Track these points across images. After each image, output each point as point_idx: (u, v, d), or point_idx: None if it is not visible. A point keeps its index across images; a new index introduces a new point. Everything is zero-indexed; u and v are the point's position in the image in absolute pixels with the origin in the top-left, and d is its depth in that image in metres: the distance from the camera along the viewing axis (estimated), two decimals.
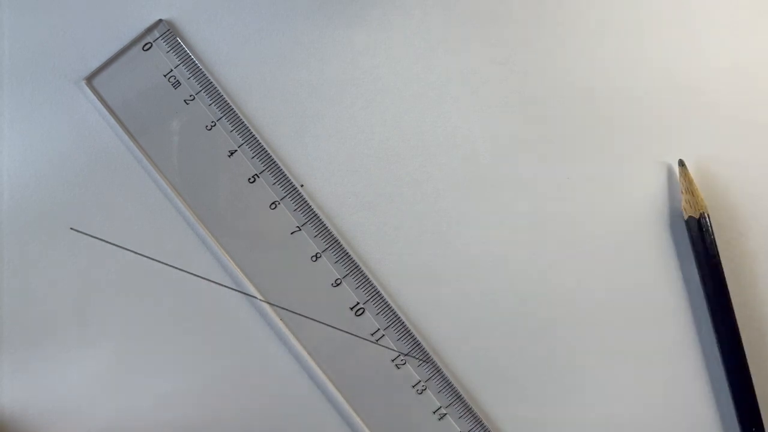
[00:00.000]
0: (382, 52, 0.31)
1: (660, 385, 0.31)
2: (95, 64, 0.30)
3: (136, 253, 0.30)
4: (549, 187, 0.31)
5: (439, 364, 0.31)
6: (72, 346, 0.30)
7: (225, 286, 0.30)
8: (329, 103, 0.31)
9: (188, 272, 0.30)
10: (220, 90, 0.30)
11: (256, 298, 0.30)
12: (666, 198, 0.31)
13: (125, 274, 0.30)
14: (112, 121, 0.30)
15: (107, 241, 0.30)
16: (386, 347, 0.31)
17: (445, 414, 0.30)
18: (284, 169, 0.30)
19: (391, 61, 0.31)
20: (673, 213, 0.31)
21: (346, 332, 0.30)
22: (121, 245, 0.30)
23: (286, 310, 0.30)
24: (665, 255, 0.31)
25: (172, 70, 0.30)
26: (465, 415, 0.30)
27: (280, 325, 0.30)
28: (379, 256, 0.31)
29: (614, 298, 0.31)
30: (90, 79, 0.30)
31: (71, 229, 0.30)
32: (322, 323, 0.30)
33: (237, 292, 0.30)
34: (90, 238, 0.30)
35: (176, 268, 0.30)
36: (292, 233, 0.30)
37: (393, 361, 0.30)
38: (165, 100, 0.30)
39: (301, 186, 0.31)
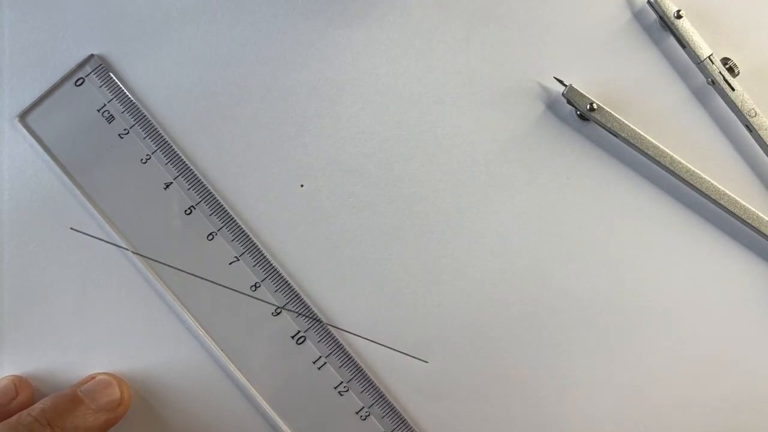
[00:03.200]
0: (382, 52, 0.31)
1: (639, 386, 0.31)
2: (28, 102, 0.30)
3: (136, 253, 0.30)
4: (549, 186, 0.31)
5: (438, 364, 0.31)
6: (72, 345, 0.30)
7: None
8: (329, 103, 0.31)
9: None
10: (155, 123, 0.30)
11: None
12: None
13: (125, 273, 0.30)
14: (47, 158, 0.30)
15: (107, 241, 0.30)
16: (388, 347, 0.31)
17: None
18: (220, 200, 0.30)
19: (391, 61, 0.31)
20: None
21: (357, 334, 0.31)
22: (121, 245, 0.30)
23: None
24: (665, 256, 0.31)
25: (105, 105, 0.30)
26: None
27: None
28: (379, 256, 0.31)
29: (614, 298, 0.31)
30: (23, 116, 0.30)
31: (71, 229, 0.30)
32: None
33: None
34: (90, 238, 0.30)
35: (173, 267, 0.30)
36: (230, 263, 0.30)
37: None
38: (100, 135, 0.30)
39: (301, 186, 0.31)
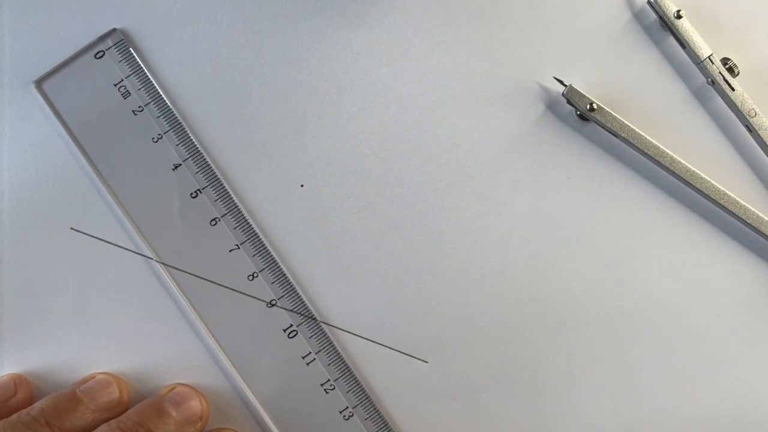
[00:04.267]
0: (382, 52, 0.31)
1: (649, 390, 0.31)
2: (46, 69, 0.30)
3: (136, 253, 0.30)
4: (549, 186, 0.31)
5: (438, 364, 0.31)
6: (72, 345, 0.30)
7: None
8: (329, 103, 0.31)
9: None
10: (169, 103, 0.30)
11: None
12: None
13: (125, 273, 0.30)
14: (59, 126, 0.30)
15: (107, 241, 0.30)
16: (387, 347, 0.31)
17: None
18: (227, 186, 0.30)
19: (391, 61, 0.31)
20: None
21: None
22: (121, 245, 0.30)
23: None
24: (665, 256, 0.31)
25: (122, 80, 0.30)
26: None
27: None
28: (379, 256, 0.31)
29: (614, 298, 0.31)
30: (40, 82, 0.30)
31: (71, 229, 0.30)
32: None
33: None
34: (90, 238, 0.30)
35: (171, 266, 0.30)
36: (230, 251, 0.30)
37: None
38: (114, 109, 0.30)
39: (301, 186, 0.31)
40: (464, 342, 0.31)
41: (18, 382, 0.29)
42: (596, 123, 0.30)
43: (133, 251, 0.30)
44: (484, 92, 0.31)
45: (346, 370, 0.30)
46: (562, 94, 0.30)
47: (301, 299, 0.30)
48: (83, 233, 0.30)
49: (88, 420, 0.28)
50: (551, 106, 0.31)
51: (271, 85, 0.31)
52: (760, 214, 0.30)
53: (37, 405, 0.27)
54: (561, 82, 0.31)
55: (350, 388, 0.30)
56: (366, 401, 0.30)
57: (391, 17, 0.31)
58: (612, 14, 0.31)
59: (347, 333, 0.31)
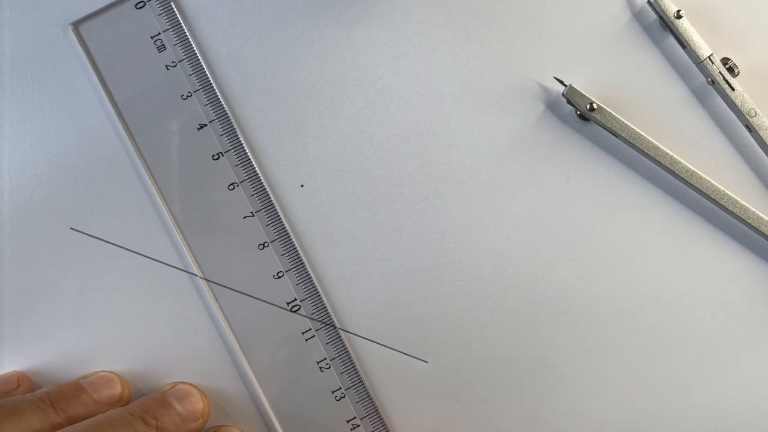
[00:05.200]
0: (382, 52, 0.31)
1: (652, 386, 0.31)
2: (85, 12, 0.30)
3: (136, 253, 0.30)
4: (549, 186, 0.31)
5: (438, 364, 0.31)
6: (72, 345, 0.30)
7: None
8: (329, 103, 0.31)
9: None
10: (203, 63, 0.30)
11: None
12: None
13: (125, 273, 0.30)
14: (90, 69, 0.30)
15: (107, 241, 0.30)
16: (388, 347, 0.31)
17: None
18: (248, 152, 0.30)
19: (391, 61, 0.31)
20: None
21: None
22: (121, 245, 0.30)
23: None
24: (665, 256, 0.31)
25: (159, 33, 0.30)
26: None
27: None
28: (379, 256, 0.31)
29: (614, 298, 0.31)
30: (77, 25, 0.30)
31: (71, 229, 0.30)
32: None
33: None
34: (90, 238, 0.30)
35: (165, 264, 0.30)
36: (244, 217, 0.30)
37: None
38: (147, 61, 0.30)
39: (301, 186, 0.31)
40: (464, 342, 0.31)
41: (20, 377, 0.29)
42: (596, 123, 0.30)
43: (133, 251, 0.30)
44: (484, 92, 0.31)
45: (357, 379, 0.30)
46: (562, 94, 0.30)
47: (321, 304, 0.30)
48: (83, 233, 0.30)
49: (90, 410, 0.28)
50: (551, 106, 0.31)
51: (271, 85, 0.31)
52: (760, 214, 0.30)
53: (41, 390, 0.28)
54: (561, 82, 0.31)
55: (359, 397, 0.30)
56: (374, 414, 0.30)
57: (391, 17, 0.31)
58: (612, 14, 0.31)
59: (347, 333, 0.31)
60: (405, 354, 0.31)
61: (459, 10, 0.31)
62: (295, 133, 0.31)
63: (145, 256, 0.30)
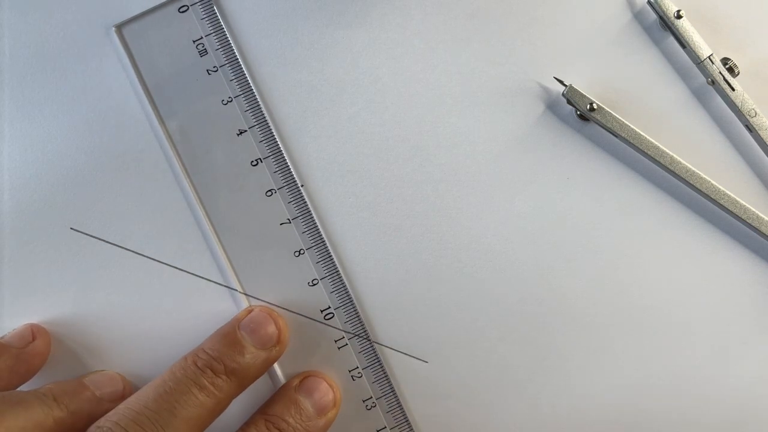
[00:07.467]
0: (382, 52, 0.31)
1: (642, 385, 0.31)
2: (128, 15, 0.30)
3: (136, 252, 0.30)
4: (549, 186, 0.31)
5: (438, 364, 0.31)
6: (72, 345, 0.30)
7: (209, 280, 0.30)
8: (329, 103, 0.31)
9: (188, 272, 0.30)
10: (244, 68, 0.30)
11: (242, 294, 0.30)
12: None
13: (125, 273, 0.30)
14: (132, 73, 0.30)
15: (107, 241, 0.30)
16: (388, 347, 0.31)
17: None
18: (288, 160, 0.30)
19: (391, 61, 0.31)
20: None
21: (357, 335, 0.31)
22: (121, 245, 0.30)
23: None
24: (665, 256, 0.31)
25: (202, 38, 0.30)
26: None
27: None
28: (379, 257, 0.31)
29: (614, 298, 0.31)
30: (120, 27, 0.30)
31: (71, 229, 0.30)
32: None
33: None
34: (90, 238, 0.30)
35: (176, 267, 0.30)
36: (281, 224, 0.30)
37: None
38: (189, 65, 0.30)
39: (301, 186, 0.31)
40: (464, 342, 0.31)
41: (35, 330, 0.30)
42: (596, 123, 0.30)
43: (134, 251, 0.30)
44: (484, 92, 0.31)
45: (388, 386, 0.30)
46: (562, 94, 0.30)
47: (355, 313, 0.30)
48: (83, 233, 0.30)
49: (93, 406, 0.28)
50: (551, 106, 0.31)
51: (271, 84, 0.31)
52: (760, 214, 0.30)
53: (44, 386, 0.28)
54: (561, 82, 0.31)
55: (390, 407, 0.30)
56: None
57: (391, 17, 0.31)
58: (612, 14, 0.31)
59: (347, 333, 0.31)
60: (405, 354, 0.31)
61: (459, 10, 0.31)
62: (294, 134, 0.31)
63: (144, 256, 0.30)
